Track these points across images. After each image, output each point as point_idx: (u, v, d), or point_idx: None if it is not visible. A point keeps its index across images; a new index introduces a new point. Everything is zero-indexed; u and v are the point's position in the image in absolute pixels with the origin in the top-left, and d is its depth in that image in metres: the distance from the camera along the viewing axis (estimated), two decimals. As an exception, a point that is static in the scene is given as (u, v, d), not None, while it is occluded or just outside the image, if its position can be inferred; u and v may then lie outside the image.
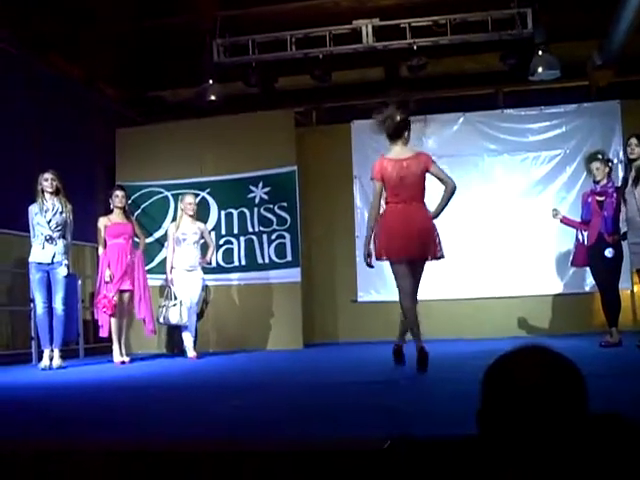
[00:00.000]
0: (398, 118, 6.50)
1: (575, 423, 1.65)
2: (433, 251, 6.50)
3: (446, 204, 6.52)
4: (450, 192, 6.48)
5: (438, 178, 6.54)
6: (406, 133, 6.60)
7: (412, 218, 6.45)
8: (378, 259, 6.64)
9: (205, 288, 10.53)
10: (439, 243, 6.54)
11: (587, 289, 10.95)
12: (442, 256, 6.57)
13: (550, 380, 1.66)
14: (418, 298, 6.67)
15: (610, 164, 8.87)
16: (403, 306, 6.62)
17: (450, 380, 5.81)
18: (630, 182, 7.98)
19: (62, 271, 8.64)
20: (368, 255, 6.59)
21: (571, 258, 9.31)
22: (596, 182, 8.72)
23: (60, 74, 11.65)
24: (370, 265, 6.70)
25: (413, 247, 6.43)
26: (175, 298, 9.58)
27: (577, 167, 11.11)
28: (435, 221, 6.61)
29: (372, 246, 6.60)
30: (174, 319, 9.63)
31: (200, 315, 10.45)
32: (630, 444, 1.72)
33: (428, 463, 2.88)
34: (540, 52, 10.63)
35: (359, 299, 11.98)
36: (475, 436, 1.76)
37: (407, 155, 6.55)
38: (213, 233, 11.05)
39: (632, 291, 9.14)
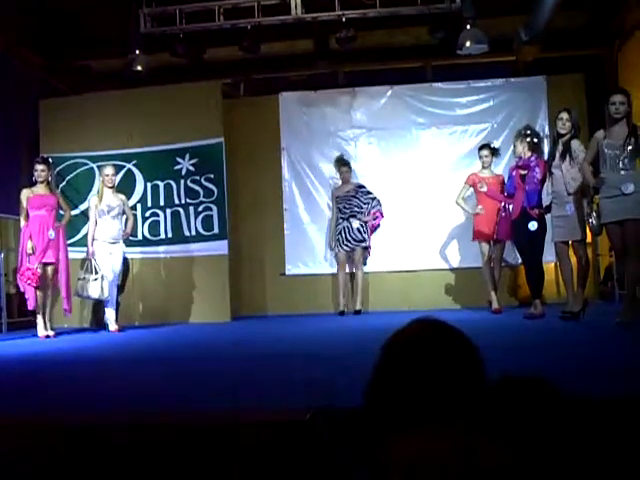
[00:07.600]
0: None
1: (466, 387, 1.74)
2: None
3: None
4: None
5: None
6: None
7: None
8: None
9: (125, 261, 10.38)
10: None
11: (512, 262, 11.11)
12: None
13: (437, 348, 1.79)
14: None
15: (535, 139, 8.96)
16: None
17: (373, 352, 5.84)
18: (557, 156, 8.05)
19: (-16, 244, 8.48)
20: None
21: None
22: (519, 157, 8.86)
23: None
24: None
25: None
26: (96, 272, 9.48)
27: (504, 141, 11.22)
28: None
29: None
30: (95, 294, 9.53)
31: (121, 288, 10.36)
32: (551, 406, 1.78)
33: (349, 434, 2.88)
34: (468, 26, 10.65)
35: (287, 272, 11.95)
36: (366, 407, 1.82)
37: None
38: (139, 205, 10.95)
39: (555, 264, 9.35)
